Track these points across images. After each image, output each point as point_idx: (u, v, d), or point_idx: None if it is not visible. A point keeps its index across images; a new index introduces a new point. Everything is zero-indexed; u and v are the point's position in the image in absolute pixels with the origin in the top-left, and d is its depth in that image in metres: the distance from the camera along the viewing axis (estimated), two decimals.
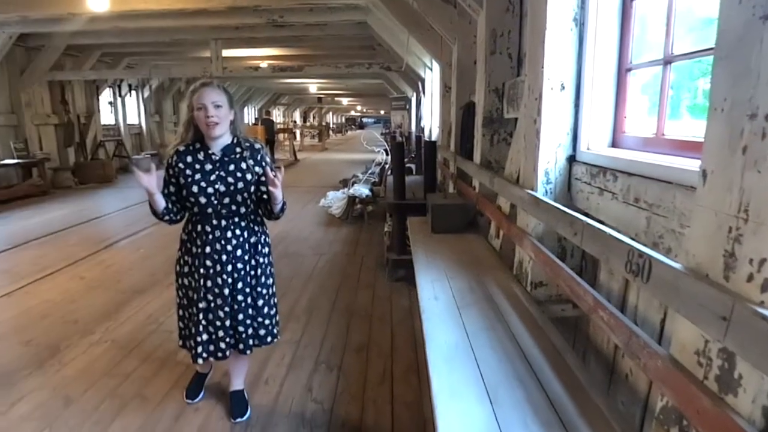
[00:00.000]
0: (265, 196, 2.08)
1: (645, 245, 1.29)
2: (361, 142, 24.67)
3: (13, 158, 9.28)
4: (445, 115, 5.20)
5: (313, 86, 21.42)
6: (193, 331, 2.14)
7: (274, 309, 2.30)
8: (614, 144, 1.97)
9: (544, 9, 1.97)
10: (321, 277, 4.49)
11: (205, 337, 2.12)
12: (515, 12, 2.96)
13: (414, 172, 7.28)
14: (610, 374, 1.77)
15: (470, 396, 1.43)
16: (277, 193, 1.98)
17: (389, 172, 7.05)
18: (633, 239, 1.35)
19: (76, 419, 2.35)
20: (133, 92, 13.98)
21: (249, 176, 2.05)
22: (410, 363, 2.88)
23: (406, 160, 6.32)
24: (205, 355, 2.14)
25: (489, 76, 3.13)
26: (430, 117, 8.23)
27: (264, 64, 11.75)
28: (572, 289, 1.66)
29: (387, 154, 10.87)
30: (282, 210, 2.12)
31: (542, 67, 2.03)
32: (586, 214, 1.77)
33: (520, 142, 2.57)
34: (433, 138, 7.12)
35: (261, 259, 2.19)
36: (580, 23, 1.96)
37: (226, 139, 2.06)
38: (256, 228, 2.17)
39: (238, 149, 2.07)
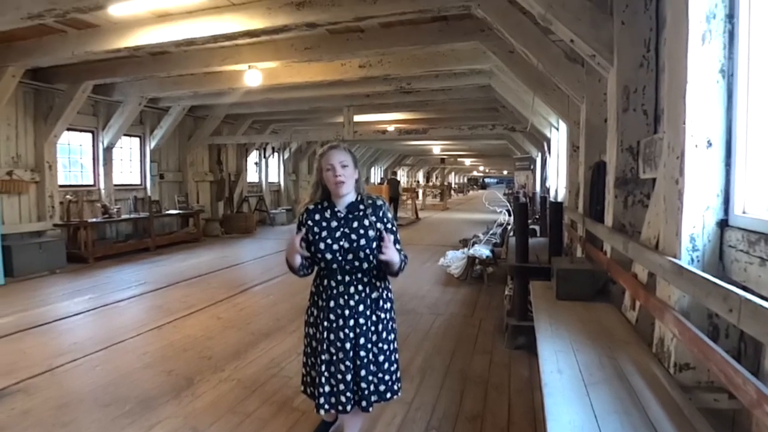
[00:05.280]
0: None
1: None
2: (482, 202, 24.54)
3: (176, 209, 10.92)
4: (573, 176, 4.96)
5: (436, 147, 22.09)
6: (317, 381, 2.19)
7: (395, 365, 2.28)
8: None
9: (684, 63, 1.83)
10: (437, 337, 4.40)
11: (327, 388, 2.16)
12: (650, 67, 2.78)
13: (538, 234, 6.96)
14: None
15: None
16: (390, 257, 2.04)
17: (511, 233, 6.84)
18: None
19: None
20: (276, 154, 15.74)
21: (371, 233, 2.13)
22: None
23: (529, 221, 6.09)
24: (327, 406, 2.17)
25: (621, 134, 2.94)
26: (555, 177, 7.93)
27: (391, 128, 12.47)
28: (728, 377, 1.41)
29: (509, 215, 10.62)
30: (401, 268, 2.16)
31: (684, 123, 1.86)
32: (744, 288, 1.52)
33: (659, 205, 2.33)
34: (559, 199, 6.80)
35: (382, 315, 2.22)
36: (729, 74, 1.78)
37: (351, 197, 2.19)
38: (378, 283, 2.21)
39: (361, 206, 2.17)
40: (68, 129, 8.34)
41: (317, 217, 2.17)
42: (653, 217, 2.53)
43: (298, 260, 2.13)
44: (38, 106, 7.91)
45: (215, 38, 5.55)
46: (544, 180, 10.31)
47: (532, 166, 12.43)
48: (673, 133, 2.00)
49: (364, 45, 6.10)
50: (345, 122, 10.25)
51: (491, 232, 9.43)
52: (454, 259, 7.31)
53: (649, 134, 2.81)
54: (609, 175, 3.17)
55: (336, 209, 2.17)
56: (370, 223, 2.14)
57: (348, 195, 2.18)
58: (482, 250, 6.97)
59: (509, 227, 8.51)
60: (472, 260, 6.83)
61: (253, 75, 7.12)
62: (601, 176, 3.52)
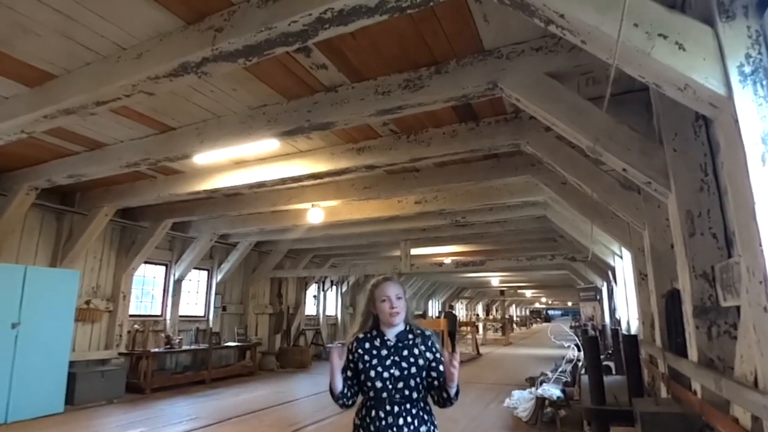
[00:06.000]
0: (435, 383, 2.11)
1: None
2: (548, 336, 23.08)
3: (235, 341, 10.99)
4: (644, 306, 4.63)
5: (495, 279, 21.67)
6: None
7: None
8: None
9: (747, 184, 1.78)
10: None
11: None
12: (711, 190, 2.71)
13: (613, 371, 6.33)
14: None
15: None
16: (455, 373, 2.02)
17: (583, 371, 6.27)
18: None
19: None
20: (334, 287, 16.00)
21: (421, 361, 2.13)
22: None
23: (602, 356, 5.61)
24: None
25: (692, 260, 2.78)
26: (625, 307, 7.42)
27: (448, 260, 12.54)
28: None
29: (579, 350, 9.83)
30: (456, 395, 2.10)
31: (760, 246, 1.74)
32: None
33: (749, 336, 2.09)
34: (632, 331, 6.28)
35: None
36: None
37: (400, 327, 2.23)
38: (426, 417, 2.14)
39: (410, 336, 2.21)
40: (145, 262, 9.03)
41: (367, 345, 2.20)
42: (745, 350, 2.25)
43: (339, 385, 2.12)
44: (122, 240, 8.74)
45: (283, 180, 6.10)
46: (613, 311, 9.68)
47: (598, 297, 11.81)
48: (751, 256, 1.86)
49: (420, 183, 6.45)
50: (402, 256, 10.46)
51: (560, 369, 8.69)
52: (521, 400, 6.69)
53: (723, 258, 2.64)
54: (685, 305, 2.93)
55: (386, 338, 2.21)
56: (419, 352, 2.15)
57: (398, 324, 2.23)
58: (552, 390, 6.37)
59: (580, 364, 7.82)
60: (541, 401, 6.22)
61: (315, 213, 7.62)
62: (677, 305, 3.27)
